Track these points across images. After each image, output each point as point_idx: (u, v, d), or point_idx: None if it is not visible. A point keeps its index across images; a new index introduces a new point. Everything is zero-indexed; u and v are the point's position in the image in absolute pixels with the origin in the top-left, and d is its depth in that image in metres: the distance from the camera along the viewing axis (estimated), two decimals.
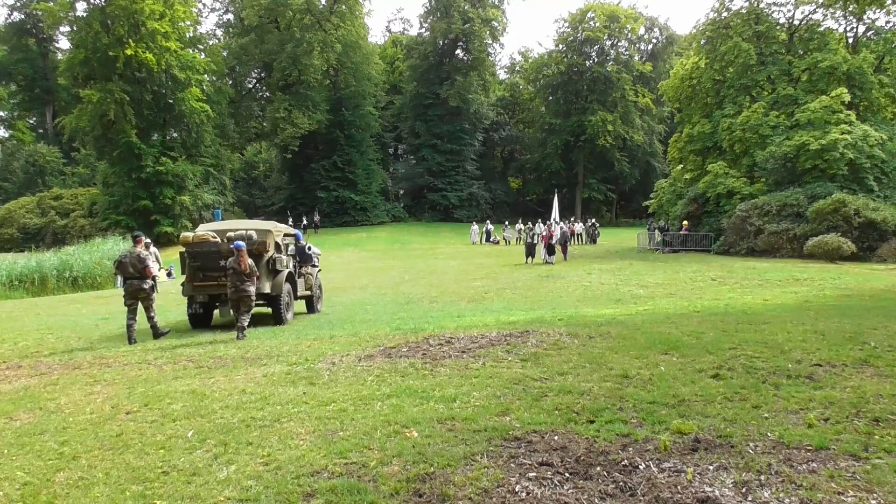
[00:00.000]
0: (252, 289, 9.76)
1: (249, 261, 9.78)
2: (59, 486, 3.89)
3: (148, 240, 22.59)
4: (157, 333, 10.12)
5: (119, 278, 22.62)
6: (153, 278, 10.16)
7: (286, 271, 11.44)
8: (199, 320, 11.57)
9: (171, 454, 4.28)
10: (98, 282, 24.64)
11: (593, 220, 41.32)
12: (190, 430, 4.75)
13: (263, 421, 4.86)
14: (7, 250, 36.96)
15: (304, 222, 41.25)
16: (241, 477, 3.78)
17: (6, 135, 61.83)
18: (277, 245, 11.40)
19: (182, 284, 11.30)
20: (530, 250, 24.69)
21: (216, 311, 11.56)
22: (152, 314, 10.08)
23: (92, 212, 41.63)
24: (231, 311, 9.81)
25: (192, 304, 11.40)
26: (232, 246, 9.87)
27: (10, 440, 4.87)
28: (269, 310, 11.77)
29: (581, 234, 37.13)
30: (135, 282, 9.86)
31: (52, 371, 7.59)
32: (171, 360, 7.71)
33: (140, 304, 9.94)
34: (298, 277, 12.46)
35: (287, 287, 11.47)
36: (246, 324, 9.56)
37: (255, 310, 13.50)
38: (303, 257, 12.88)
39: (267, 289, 10.87)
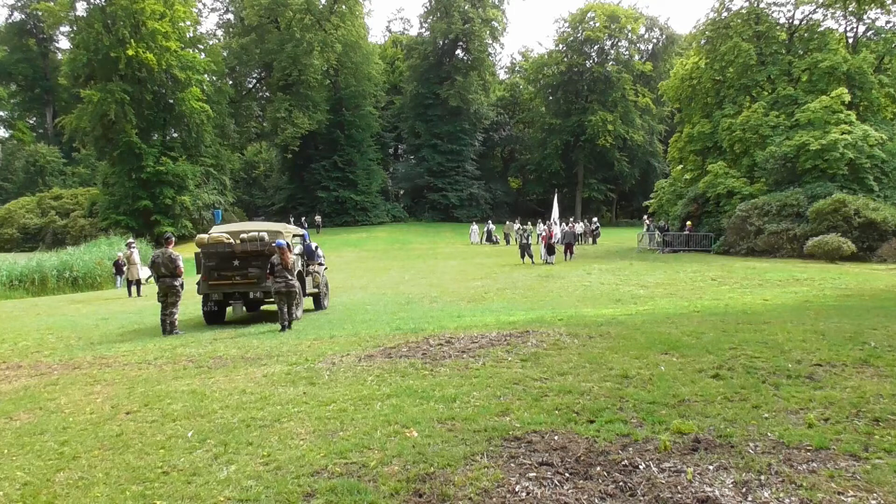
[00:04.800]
0: (297, 282, 10.42)
1: (291, 257, 10.37)
2: (59, 486, 3.89)
3: (132, 240, 22.38)
4: (171, 330, 10.43)
5: (119, 278, 22.70)
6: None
7: (296, 270, 11.75)
8: (214, 317, 12.10)
9: (171, 454, 4.28)
10: (98, 282, 24.65)
11: (594, 219, 41.31)
12: (190, 430, 4.75)
13: (263, 421, 4.86)
14: (7, 250, 36.97)
15: (305, 224, 41.17)
16: (241, 477, 3.78)
17: (6, 135, 61.88)
18: (287, 245, 11.73)
19: (197, 283, 11.86)
20: (524, 250, 24.64)
21: (229, 309, 12.15)
22: (175, 311, 10.58)
23: (92, 212, 41.63)
24: (279, 303, 10.28)
25: (208, 303, 11.91)
26: (274, 244, 10.54)
27: (10, 440, 4.87)
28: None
29: (581, 234, 37.04)
30: (167, 280, 10.54)
31: (52, 371, 7.59)
32: (171, 360, 7.71)
33: (168, 300, 10.51)
34: (306, 276, 12.83)
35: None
36: (298, 315, 10.35)
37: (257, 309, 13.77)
38: (310, 256, 13.18)
39: None
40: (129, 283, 19.37)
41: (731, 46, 28.45)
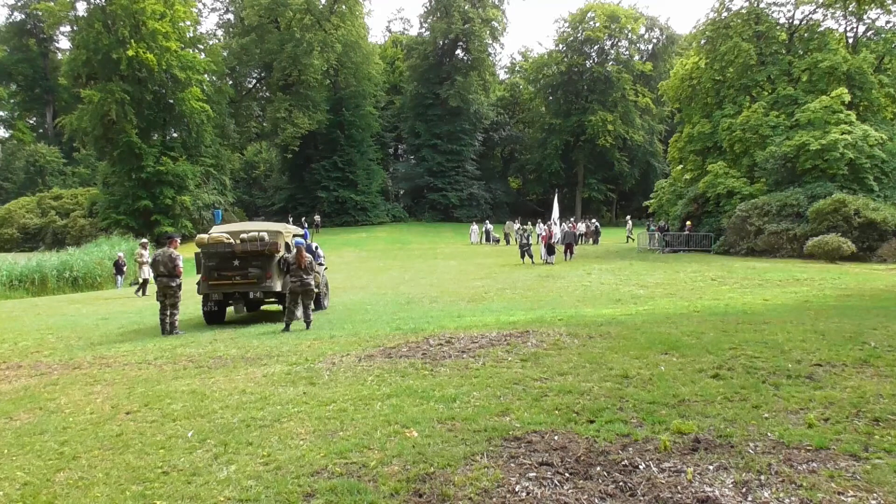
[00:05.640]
0: (313, 281, 10.35)
1: (308, 256, 10.30)
2: (59, 486, 3.89)
3: (144, 240, 22.17)
4: (171, 331, 10.43)
5: (119, 279, 22.69)
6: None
7: (312, 270, 11.79)
8: (214, 317, 12.09)
9: (171, 454, 4.28)
10: (98, 282, 24.66)
11: (593, 220, 41.40)
12: (190, 430, 4.75)
13: (263, 421, 4.86)
14: (7, 250, 36.98)
15: (305, 224, 41.09)
16: (241, 477, 3.78)
17: (6, 135, 61.93)
18: (287, 245, 11.89)
19: (198, 283, 11.85)
20: (524, 250, 24.66)
21: (229, 308, 12.16)
22: (175, 311, 10.56)
23: (92, 212, 41.63)
24: (290, 303, 10.22)
25: (208, 303, 11.90)
26: (294, 242, 10.60)
27: (10, 440, 4.88)
28: (279, 307, 12.36)
29: (583, 235, 37.04)
30: (164, 279, 10.49)
31: (52, 371, 7.59)
32: (171, 360, 7.71)
33: (167, 300, 10.48)
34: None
35: None
36: (311, 315, 10.22)
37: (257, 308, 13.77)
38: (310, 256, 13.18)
39: (278, 287, 11.31)
40: (146, 283, 19.02)
41: (731, 46, 28.44)
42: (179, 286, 10.62)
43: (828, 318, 8.61)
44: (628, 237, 37.30)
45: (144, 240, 22.32)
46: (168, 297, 10.44)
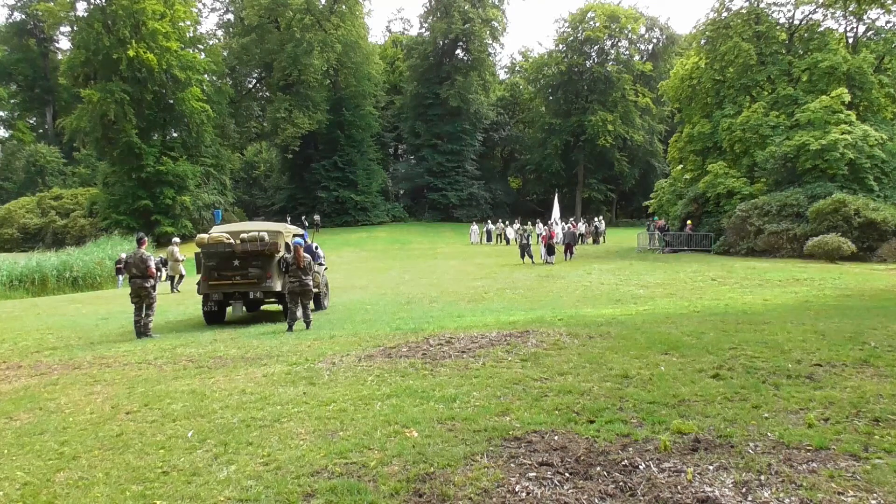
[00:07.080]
0: (311, 282, 10.36)
1: (307, 256, 10.29)
2: (59, 486, 3.89)
3: (177, 238, 22.15)
4: (145, 332, 10.22)
5: (120, 279, 22.70)
6: (155, 278, 10.70)
7: (311, 271, 11.81)
8: (214, 317, 12.08)
9: (171, 454, 4.29)
10: (98, 282, 24.67)
11: (593, 219, 41.38)
12: (190, 430, 4.75)
13: (263, 421, 4.86)
14: (7, 250, 36.98)
15: (306, 223, 41.08)
16: (241, 477, 3.78)
17: (6, 135, 61.90)
18: (287, 246, 11.86)
19: (198, 283, 11.85)
20: (524, 250, 24.67)
21: (229, 309, 12.14)
22: (150, 313, 10.43)
23: (92, 212, 41.64)
24: (290, 303, 10.19)
25: (208, 303, 11.89)
26: (292, 242, 10.63)
27: (10, 440, 4.88)
28: (279, 307, 12.37)
29: (582, 235, 36.99)
30: (137, 280, 10.34)
31: (52, 371, 7.60)
32: (171, 360, 7.71)
33: (142, 301, 10.35)
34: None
35: None
36: (310, 315, 10.23)
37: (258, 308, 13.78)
38: (310, 256, 13.18)
39: (278, 287, 11.31)
40: (172, 280, 19.24)
41: (731, 46, 28.42)
42: (154, 287, 10.49)
43: (828, 318, 8.61)
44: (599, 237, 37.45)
45: (177, 238, 22.30)
46: (143, 298, 10.30)
